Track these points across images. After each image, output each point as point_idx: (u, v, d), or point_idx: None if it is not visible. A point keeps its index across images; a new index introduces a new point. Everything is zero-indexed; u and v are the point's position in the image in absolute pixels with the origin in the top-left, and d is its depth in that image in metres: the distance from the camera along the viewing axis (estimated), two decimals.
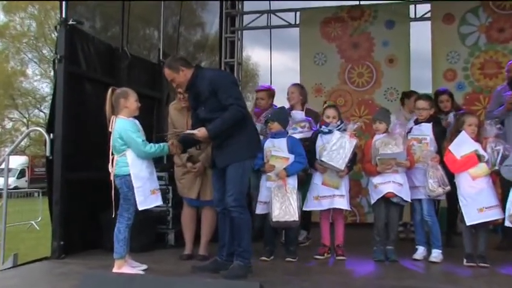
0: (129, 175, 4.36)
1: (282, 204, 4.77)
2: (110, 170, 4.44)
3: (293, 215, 4.79)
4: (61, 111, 5.16)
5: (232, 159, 4.37)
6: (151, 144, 4.45)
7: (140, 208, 4.39)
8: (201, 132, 4.35)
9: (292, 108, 5.86)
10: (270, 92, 6.09)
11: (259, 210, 5.06)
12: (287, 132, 5.19)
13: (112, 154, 4.46)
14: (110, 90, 4.50)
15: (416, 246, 5.17)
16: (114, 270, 4.39)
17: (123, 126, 4.38)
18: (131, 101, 4.47)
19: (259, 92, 6.12)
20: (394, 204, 5.07)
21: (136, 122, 4.51)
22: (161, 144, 4.53)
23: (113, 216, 4.48)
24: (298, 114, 5.76)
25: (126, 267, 4.42)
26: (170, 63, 4.47)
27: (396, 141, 4.95)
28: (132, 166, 4.38)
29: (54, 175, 5.14)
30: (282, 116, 5.22)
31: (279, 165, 4.97)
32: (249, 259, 4.41)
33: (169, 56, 7.43)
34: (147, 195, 4.41)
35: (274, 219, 4.76)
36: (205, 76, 4.40)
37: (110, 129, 4.43)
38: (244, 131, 4.43)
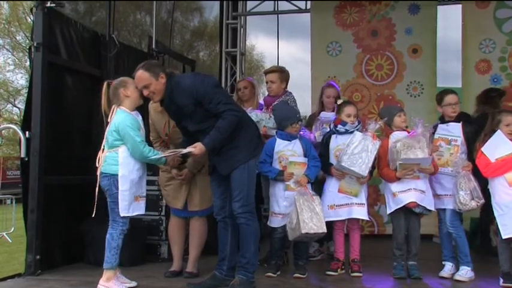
0: (117, 175, 4.37)
1: (309, 214, 4.75)
2: (97, 164, 4.45)
3: (321, 226, 4.80)
4: (38, 107, 5.15)
5: (236, 163, 4.39)
6: (151, 148, 4.46)
7: (122, 215, 4.39)
8: (197, 148, 4.34)
9: (323, 109, 5.91)
10: (283, 74, 5.78)
11: (276, 223, 5.01)
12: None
13: (103, 146, 4.47)
14: (105, 85, 4.51)
15: (443, 262, 5.17)
16: (102, 282, 4.39)
17: (123, 119, 4.39)
18: (131, 90, 4.46)
19: (270, 74, 5.79)
20: (416, 213, 5.08)
21: (140, 119, 4.51)
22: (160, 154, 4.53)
23: (93, 215, 4.48)
24: (328, 114, 5.78)
25: (115, 282, 4.43)
26: (149, 67, 4.39)
27: (420, 144, 4.91)
28: (122, 165, 4.38)
29: (30, 179, 5.12)
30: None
31: (298, 172, 4.98)
32: (252, 273, 4.43)
33: (162, 44, 7.48)
34: (131, 202, 4.42)
35: (303, 231, 4.72)
36: (181, 87, 4.33)
37: (108, 120, 4.44)
38: (244, 131, 4.45)
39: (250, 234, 4.40)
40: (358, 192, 5.11)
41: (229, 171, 4.42)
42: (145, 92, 4.39)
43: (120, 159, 4.38)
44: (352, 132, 5.11)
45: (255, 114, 5.29)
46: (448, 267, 5.12)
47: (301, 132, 5.59)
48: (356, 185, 5.10)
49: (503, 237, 4.70)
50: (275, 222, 5.03)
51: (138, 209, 4.51)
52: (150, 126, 5.18)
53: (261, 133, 4.94)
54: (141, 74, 4.36)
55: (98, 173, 4.44)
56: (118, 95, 4.44)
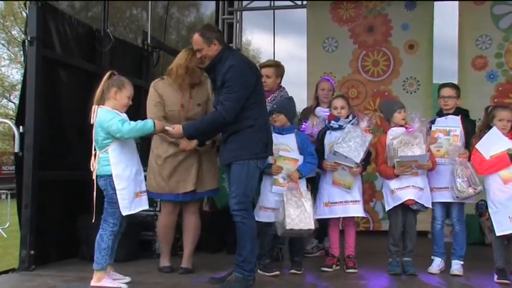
0: (112, 175, 4.34)
1: (296, 210, 4.71)
2: (92, 168, 4.42)
3: (308, 223, 4.74)
4: (33, 101, 5.14)
5: (233, 158, 4.39)
6: (131, 122, 4.34)
7: (124, 213, 4.37)
8: (175, 129, 4.39)
9: (318, 105, 5.92)
10: (278, 69, 5.79)
11: (264, 217, 4.93)
12: (295, 127, 5.19)
13: (94, 150, 4.44)
14: (108, 74, 4.45)
15: (433, 257, 5.18)
16: (93, 283, 4.38)
17: (105, 115, 4.34)
18: (123, 96, 4.42)
19: (264, 68, 5.75)
20: (412, 210, 5.07)
21: (124, 116, 4.43)
22: (144, 121, 4.38)
23: (93, 220, 4.46)
24: (324, 109, 5.78)
25: (107, 279, 4.41)
26: (205, 32, 4.47)
27: (417, 140, 4.90)
28: (114, 165, 4.34)
29: (24, 174, 5.11)
30: (289, 107, 5.13)
31: (288, 167, 4.92)
32: (249, 271, 4.41)
33: (157, 39, 7.45)
34: (131, 199, 4.39)
35: (288, 227, 4.69)
36: (226, 64, 4.35)
37: (91, 121, 4.39)
38: (253, 132, 4.39)
39: (246, 232, 4.39)
40: (352, 184, 5.08)
41: (224, 163, 4.48)
42: (198, 55, 4.52)
43: (112, 158, 4.33)
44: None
45: None
46: (436, 263, 5.14)
47: (303, 125, 5.55)
48: (349, 176, 5.08)
49: (498, 234, 4.71)
50: (263, 216, 4.92)
51: (140, 204, 4.48)
52: (155, 104, 4.97)
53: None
54: (196, 37, 4.46)
55: (94, 177, 4.39)
56: (109, 91, 4.39)
